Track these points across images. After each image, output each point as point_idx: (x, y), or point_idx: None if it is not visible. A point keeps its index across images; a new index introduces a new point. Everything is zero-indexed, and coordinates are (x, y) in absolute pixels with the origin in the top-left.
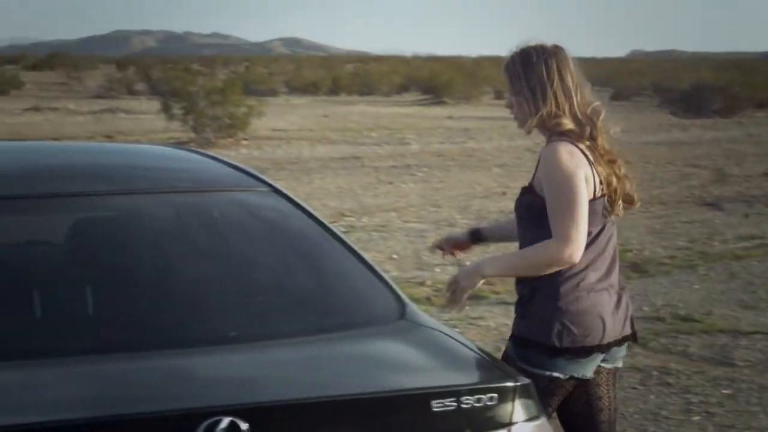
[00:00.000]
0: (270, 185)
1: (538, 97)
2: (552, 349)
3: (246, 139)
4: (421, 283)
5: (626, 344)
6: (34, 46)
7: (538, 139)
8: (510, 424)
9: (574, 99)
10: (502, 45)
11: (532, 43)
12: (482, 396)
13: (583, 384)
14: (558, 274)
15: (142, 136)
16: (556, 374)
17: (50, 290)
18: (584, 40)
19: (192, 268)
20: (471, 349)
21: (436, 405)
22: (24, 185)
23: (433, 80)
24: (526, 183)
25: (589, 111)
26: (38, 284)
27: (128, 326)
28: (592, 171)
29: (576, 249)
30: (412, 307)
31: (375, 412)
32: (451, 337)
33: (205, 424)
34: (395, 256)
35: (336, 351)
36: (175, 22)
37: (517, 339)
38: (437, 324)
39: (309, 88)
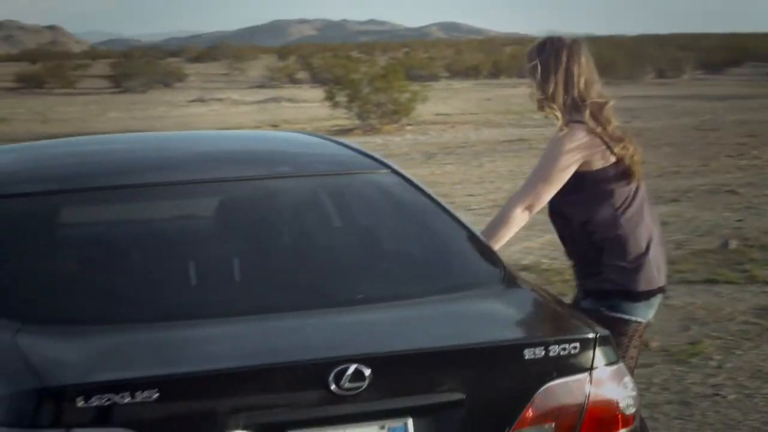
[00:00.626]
0: (390, 167)
1: (550, 83)
2: (633, 294)
3: (410, 125)
4: None
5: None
6: (193, 38)
7: (703, 117)
8: (591, 368)
9: (577, 88)
10: (662, 23)
11: (553, 35)
12: (567, 345)
13: None
14: (618, 231)
15: (307, 124)
16: (639, 319)
17: (203, 260)
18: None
19: (325, 240)
20: (560, 305)
21: (528, 353)
22: (184, 173)
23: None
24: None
25: (599, 100)
26: (193, 255)
27: (269, 291)
28: (602, 143)
29: (534, 201)
30: (512, 271)
31: (476, 359)
32: (542, 295)
33: (336, 370)
34: None
35: (445, 310)
36: (331, 10)
37: (597, 293)
38: (532, 284)
39: (469, 72)
